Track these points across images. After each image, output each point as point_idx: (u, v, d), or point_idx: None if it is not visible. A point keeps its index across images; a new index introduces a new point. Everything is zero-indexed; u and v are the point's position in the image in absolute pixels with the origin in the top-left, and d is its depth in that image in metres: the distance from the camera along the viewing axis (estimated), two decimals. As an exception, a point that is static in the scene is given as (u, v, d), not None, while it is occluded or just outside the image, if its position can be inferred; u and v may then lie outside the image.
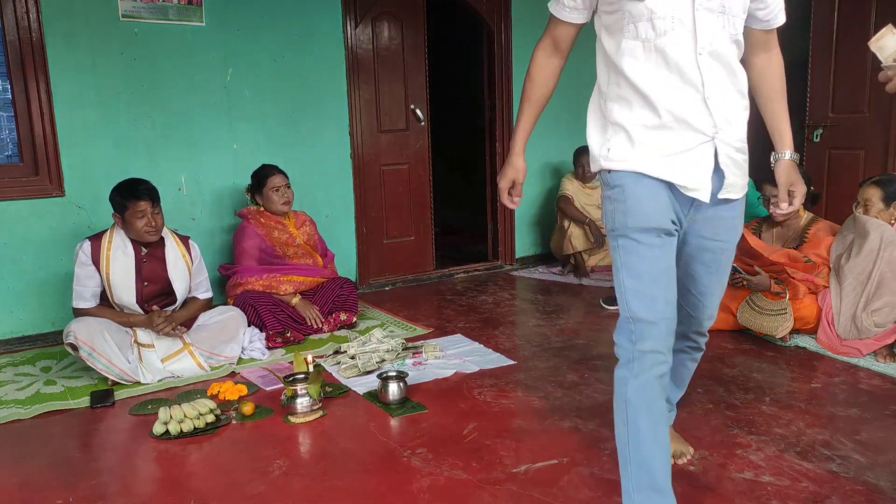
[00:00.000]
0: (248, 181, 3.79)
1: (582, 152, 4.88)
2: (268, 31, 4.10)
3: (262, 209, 3.71)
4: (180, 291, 3.15)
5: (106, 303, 3.08)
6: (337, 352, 3.26)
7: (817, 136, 4.26)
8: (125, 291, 3.03)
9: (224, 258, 4.00)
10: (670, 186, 1.65)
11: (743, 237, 3.36)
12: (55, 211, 3.65)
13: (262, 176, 3.69)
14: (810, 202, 3.35)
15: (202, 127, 3.99)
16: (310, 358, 2.74)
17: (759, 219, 3.59)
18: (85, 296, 3.02)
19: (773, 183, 3.11)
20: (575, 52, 1.81)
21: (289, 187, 3.72)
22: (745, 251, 3.38)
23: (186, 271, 3.17)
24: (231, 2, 3.97)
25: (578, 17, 1.74)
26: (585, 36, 1.78)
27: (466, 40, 6.09)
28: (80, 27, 3.59)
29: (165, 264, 3.11)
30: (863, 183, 3.23)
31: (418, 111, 4.73)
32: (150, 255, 3.09)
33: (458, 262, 5.22)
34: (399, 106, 4.68)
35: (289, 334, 3.44)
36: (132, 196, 2.98)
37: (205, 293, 3.31)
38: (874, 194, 3.12)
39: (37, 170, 3.62)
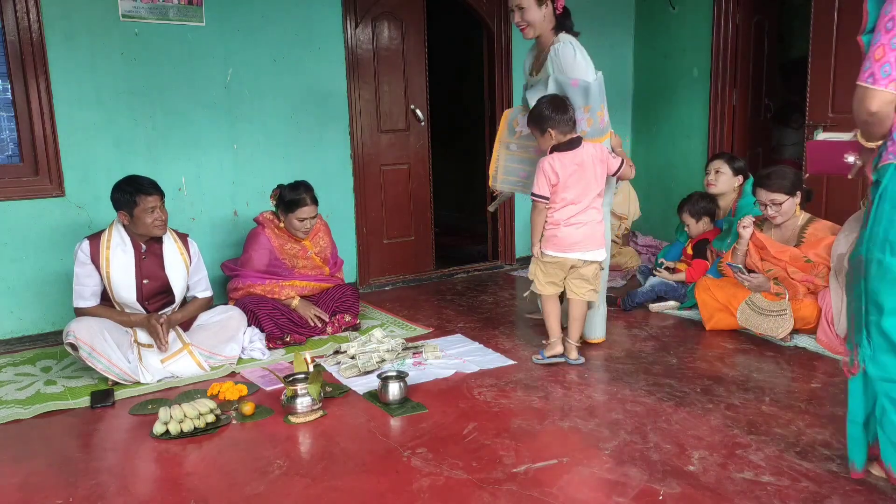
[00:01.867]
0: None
1: None
2: (268, 31, 4.10)
3: (280, 223, 3.61)
4: (178, 289, 3.15)
5: (106, 302, 3.08)
6: (337, 352, 3.26)
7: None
8: (125, 289, 3.03)
9: (224, 258, 3.98)
10: None
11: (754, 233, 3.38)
12: (55, 211, 3.65)
13: (295, 202, 3.49)
14: (804, 199, 3.38)
15: (202, 127, 3.99)
16: (310, 358, 2.74)
17: (757, 217, 3.58)
18: (85, 295, 3.02)
19: (766, 187, 3.22)
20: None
21: (314, 217, 3.58)
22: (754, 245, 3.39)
23: (184, 269, 3.17)
24: (231, 2, 3.97)
25: None
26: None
27: (466, 40, 6.09)
28: (80, 27, 3.59)
29: (163, 261, 3.12)
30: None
31: (418, 111, 4.73)
32: (149, 252, 3.09)
33: (458, 262, 5.22)
34: (399, 106, 4.69)
35: (288, 338, 3.44)
36: (141, 191, 2.98)
37: (204, 291, 3.30)
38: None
39: (37, 170, 3.62)
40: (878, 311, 1.79)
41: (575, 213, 2.95)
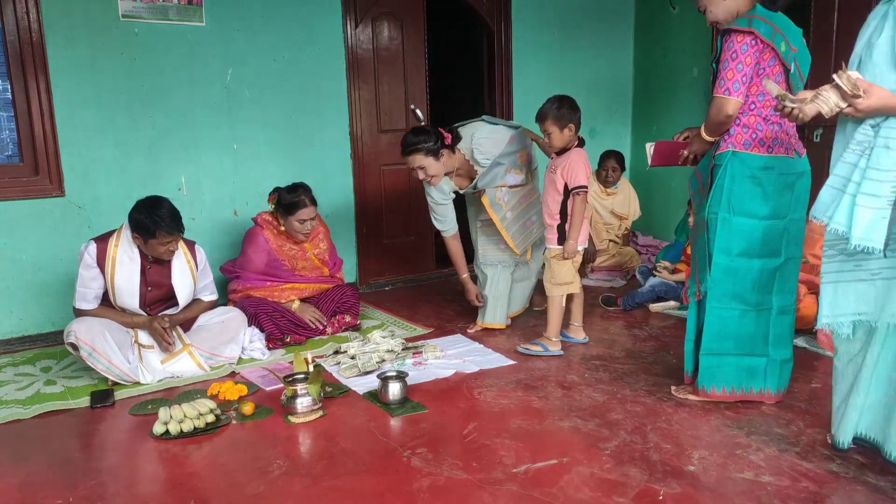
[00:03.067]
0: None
1: (608, 156, 4.82)
2: (268, 31, 4.10)
3: (280, 225, 3.58)
4: (182, 298, 3.12)
5: (107, 303, 3.07)
6: (337, 352, 3.26)
7: (817, 136, 4.26)
8: (128, 296, 3.01)
9: (225, 258, 3.98)
10: None
11: None
12: (55, 211, 3.65)
13: (294, 204, 3.47)
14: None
15: (202, 127, 3.99)
16: (310, 358, 2.74)
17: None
18: (88, 297, 3.00)
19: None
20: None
21: (314, 218, 3.55)
22: None
23: (191, 277, 3.14)
24: (231, 2, 3.97)
25: None
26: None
27: (466, 40, 6.09)
28: (80, 27, 3.59)
29: (170, 271, 3.09)
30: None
31: (418, 111, 4.73)
32: (156, 262, 3.06)
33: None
34: (399, 106, 4.69)
35: (288, 339, 3.44)
36: (162, 229, 2.90)
37: (210, 296, 3.29)
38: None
39: (37, 170, 3.62)
40: (728, 254, 2.42)
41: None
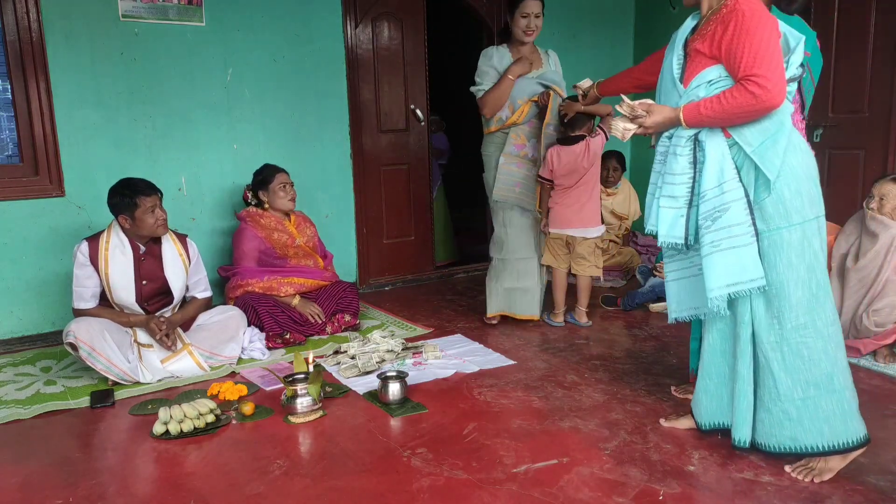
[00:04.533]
0: (249, 181, 3.79)
1: (608, 156, 4.82)
2: (268, 31, 4.10)
3: (261, 210, 3.68)
4: (177, 290, 3.15)
5: (106, 303, 3.08)
6: (337, 352, 3.26)
7: (817, 136, 4.26)
8: (124, 291, 3.03)
9: (224, 258, 4.00)
10: None
11: None
12: (55, 211, 3.65)
13: (269, 174, 3.69)
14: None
15: (202, 127, 3.99)
16: (310, 358, 2.74)
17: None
18: (85, 296, 3.02)
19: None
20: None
21: (293, 185, 3.74)
22: None
23: (183, 269, 3.17)
24: (231, 2, 3.97)
25: None
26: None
27: (466, 40, 6.09)
28: (80, 27, 3.59)
29: (162, 263, 3.11)
30: (879, 179, 3.17)
31: (418, 111, 4.73)
32: (147, 254, 3.09)
33: (458, 262, 5.22)
34: (399, 106, 4.69)
35: (287, 336, 3.44)
36: (140, 193, 2.98)
37: (203, 292, 3.30)
38: (891, 190, 3.05)
39: (37, 170, 3.62)
40: None
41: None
